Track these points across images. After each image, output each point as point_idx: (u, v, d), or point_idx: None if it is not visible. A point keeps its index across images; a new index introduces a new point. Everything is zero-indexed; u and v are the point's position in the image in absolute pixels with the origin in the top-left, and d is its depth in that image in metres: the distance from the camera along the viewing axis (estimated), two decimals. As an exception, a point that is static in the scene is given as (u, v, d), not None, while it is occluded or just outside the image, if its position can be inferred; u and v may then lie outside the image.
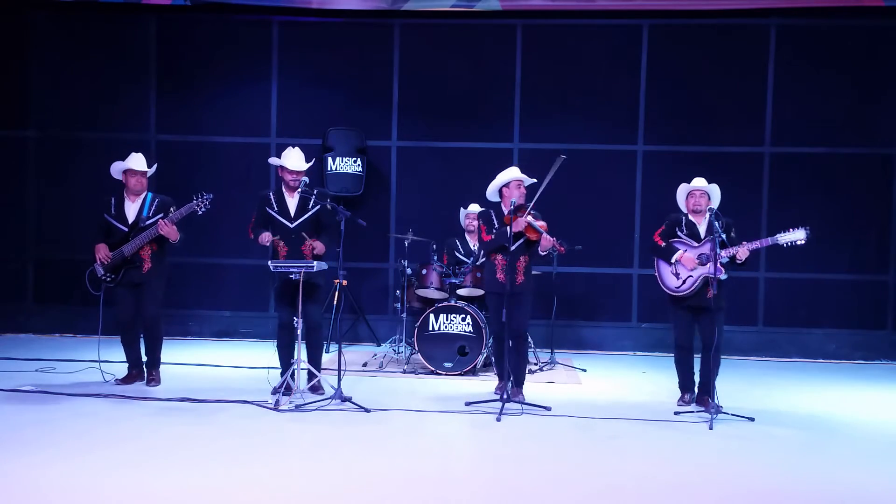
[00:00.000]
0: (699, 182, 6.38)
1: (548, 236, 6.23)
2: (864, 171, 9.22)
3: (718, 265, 6.02)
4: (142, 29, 9.51)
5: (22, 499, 4.03)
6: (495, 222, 6.50)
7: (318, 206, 6.36)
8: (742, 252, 6.02)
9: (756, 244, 6.08)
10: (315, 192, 6.41)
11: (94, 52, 9.53)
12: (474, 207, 8.00)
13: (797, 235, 5.98)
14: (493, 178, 6.64)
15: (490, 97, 9.47)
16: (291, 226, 6.39)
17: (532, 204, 6.35)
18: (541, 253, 6.38)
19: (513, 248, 6.33)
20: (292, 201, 6.40)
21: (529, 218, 6.27)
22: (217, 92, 9.58)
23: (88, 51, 9.53)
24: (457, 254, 8.02)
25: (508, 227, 6.27)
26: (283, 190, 6.44)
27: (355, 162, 8.97)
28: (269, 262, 6.31)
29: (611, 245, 9.36)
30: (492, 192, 6.59)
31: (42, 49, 9.54)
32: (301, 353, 6.28)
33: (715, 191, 6.35)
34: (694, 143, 9.31)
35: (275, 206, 6.43)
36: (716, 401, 5.93)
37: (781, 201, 9.21)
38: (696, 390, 6.40)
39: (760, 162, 9.29)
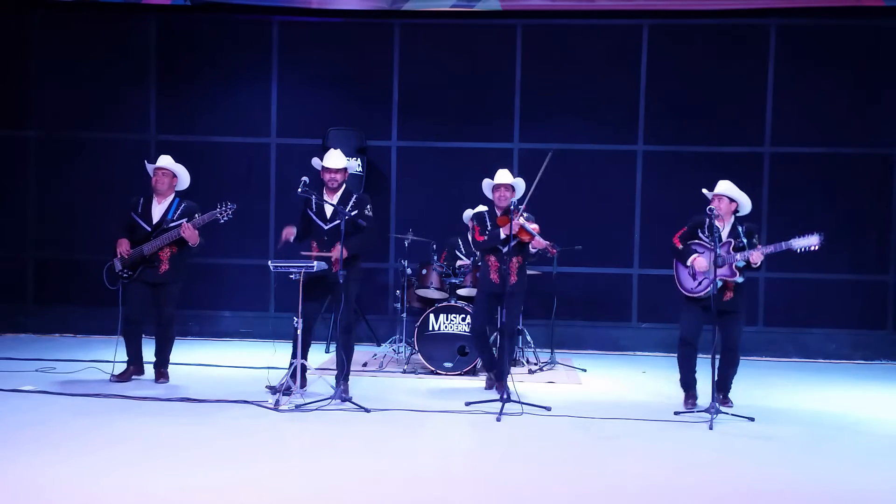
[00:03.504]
0: (724, 188, 6.30)
1: (540, 239, 6.33)
2: (865, 171, 9.22)
3: (734, 268, 6.10)
4: (142, 29, 9.52)
5: (22, 499, 4.02)
6: (489, 223, 6.66)
7: (354, 211, 6.27)
8: (756, 256, 6.04)
9: (770, 248, 6.09)
10: (355, 197, 6.42)
11: (94, 52, 9.53)
12: (482, 209, 8.01)
13: (811, 241, 5.98)
14: (493, 177, 6.73)
15: (490, 97, 9.47)
16: (325, 227, 6.39)
17: (524, 205, 6.43)
18: (531, 251, 6.49)
19: (506, 249, 6.46)
20: (330, 205, 6.36)
21: (522, 220, 6.34)
22: (217, 92, 9.58)
23: (89, 51, 9.54)
24: (457, 253, 8.02)
25: (500, 229, 6.45)
26: (324, 191, 6.43)
27: (355, 161, 8.96)
28: (270, 261, 6.31)
29: (611, 245, 9.36)
30: (486, 188, 6.81)
31: (42, 49, 9.54)
32: (305, 353, 6.32)
33: (744, 202, 6.29)
34: (694, 143, 9.31)
35: (314, 207, 6.44)
36: (729, 399, 6.32)
37: (781, 201, 9.21)
38: (715, 390, 6.22)
39: (760, 162, 9.29)
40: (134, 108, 9.56)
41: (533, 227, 6.40)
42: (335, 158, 6.44)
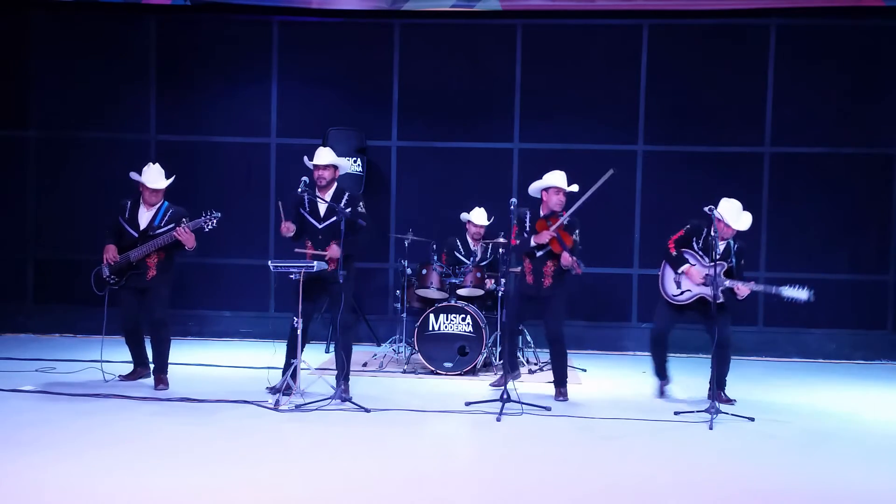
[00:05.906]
0: (733, 215, 6.27)
1: (567, 255, 6.30)
2: (864, 171, 9.22)
3: (719, 291, 6.17)
4: (142, 29, 9.51)
5: (22, 499, 4.02)
6: (527, 225, 6.58)
7: (348, 209, 6.23)
8: (743, 290, 6.26)
9: (760, 288, 6.34)
10: (347, 195, 6.40)
11: (94, 52, 9.53)
12: (476, 212, 8.02)
13: (801, 295, 6.12)
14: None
15: (490, 97, 9.47)
16: (320, 226, 6.38)
17: (567, 214, 6.40)
18: (563, 266, 6.43)
19: (539, 254, 6.51)
20: (323, 203, 6.36)
21: (555, 231, 6.35)
22: (217, 92, 9.58)
23: (88, 51, 9.53)
24: (456, 254, 8.02)
25: (531, 238, 6.43)
26: (316, 190, 6.41)
27: (355, 162, 8.96)
28: (270, 261, 6.31)
29: (611, 245, 9.36)
30: (533, 190, 6.68)
31: (42, 49, 9.54)
32: (302, 353, 6.31)
33: (746, 226, 6.32)
34: (694, 143, 9.30)
35: (307, 206, 6.42)
36: (725, 395, 6.47)
37: (781, 201, 9.21)
38: (713, 386, 6.39)
39: (760, 162, 9.28)
40: (133, 108, 9.55)
41: (567, 239, 6.37)
42: (323, 155, 6.42)
